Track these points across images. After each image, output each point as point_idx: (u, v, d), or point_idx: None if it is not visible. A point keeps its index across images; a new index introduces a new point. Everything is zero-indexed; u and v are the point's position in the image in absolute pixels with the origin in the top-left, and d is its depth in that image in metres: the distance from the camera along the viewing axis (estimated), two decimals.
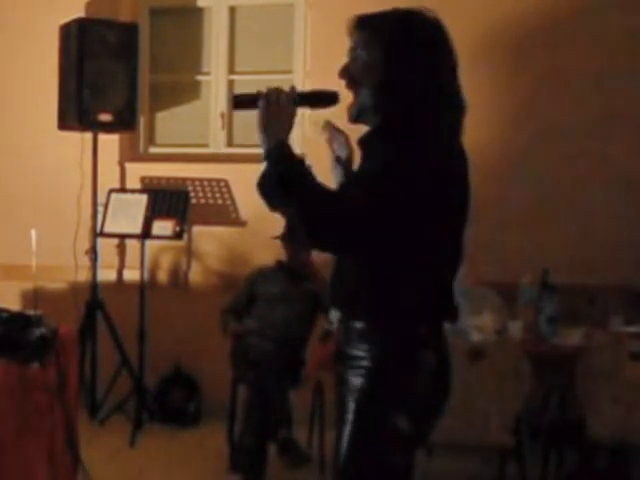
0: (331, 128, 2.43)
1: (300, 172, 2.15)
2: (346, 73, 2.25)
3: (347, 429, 2.17)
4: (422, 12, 2.23)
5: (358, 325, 2.18)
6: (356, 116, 2.26)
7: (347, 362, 2.19)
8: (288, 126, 2.20)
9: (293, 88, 2.25)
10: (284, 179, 2.14)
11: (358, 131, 2.28)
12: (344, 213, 2.07)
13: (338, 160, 2.42)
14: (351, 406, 2.16)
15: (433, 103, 2.18)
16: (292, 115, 2.21)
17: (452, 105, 2.24)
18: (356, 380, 2.16)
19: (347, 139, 2.43)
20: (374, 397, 2.15)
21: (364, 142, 2.22)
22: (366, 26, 2.23)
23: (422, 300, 2.18)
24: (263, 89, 2.23)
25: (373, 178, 2.09)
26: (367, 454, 2.18)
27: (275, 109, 2.19)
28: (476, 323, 4.13)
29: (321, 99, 2.30)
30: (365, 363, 2.15)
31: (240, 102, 2.28)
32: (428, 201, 2.11)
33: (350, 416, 2.16)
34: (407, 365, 2.16)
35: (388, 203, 2.07)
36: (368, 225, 2.07)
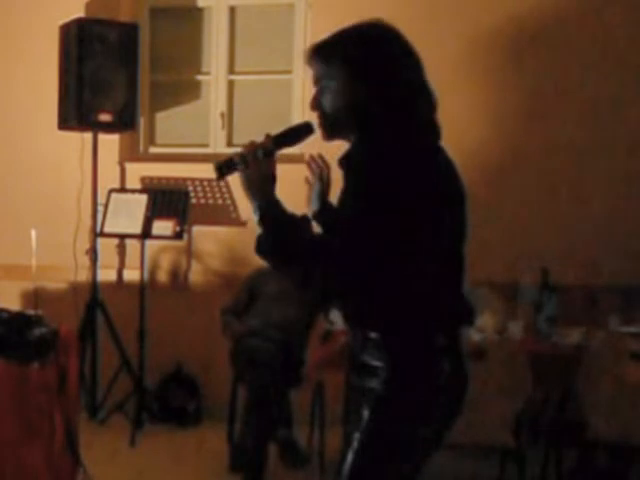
0: (315, 164, 2.46)
1: (293, 228, 2.16)
2: (316, 104, 2.26)
3: (360, 435, 2.17)
4: (374, 24, 2.24)
5: (374, 335, 2.18)
6: (330, 135, 2.27)
7: (363, 371, 2.20)
8: (270, 181, 2.21)
9: (268, 136, 2.25)
10: (278, 238, 2.16)
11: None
12: (347, 257, 2.07)
13: (316, 192, 2.45)
14: (366, 413, 2.17)
15: (406, 109, 2.19)
16: (272, 168, 2.22)
17: (425, 106, 2.23)
18: (373, 388, 2.16)
19: (329, 171, 2.48)
20: (391, 406, 2.16)
21: (344, 162, 2.20)
22: (325, 55, 2.24)
23: (435, 308, 2.18)
24: (239, 149, 2.23)
25: (364, 202, 2.08)
26: (380, 461, 2.18)
27: (254, 167, 2.20)
28: (476, 323, 4.13)
29: (297, 134, 2.31)
30: (382, 372, 2.15)
31: (222, 170, 2.28)
32: (424, 211, 2.10)
33: (364, 423, 2.17)
34: (424, 374, 2.17)
35: (387, 226, 2.06)
36: (374, 258, 2.08)
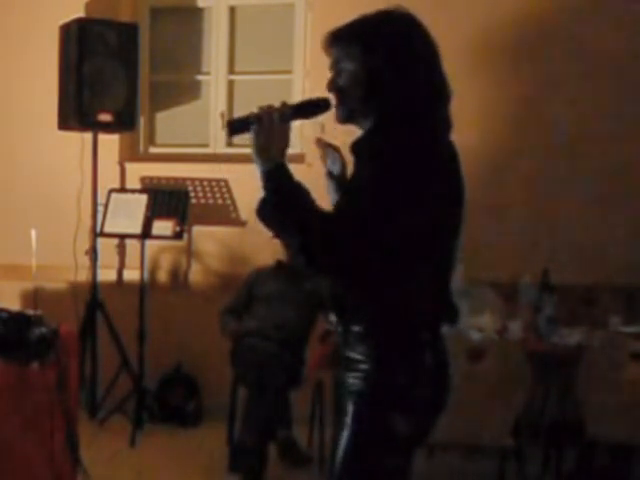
0: (324, 144, 2.45)
1: (298, 196, 2.14)
2: (334, 86, 2.26)
3: (346, 432, 2.17)
4: (394, 11, 2.24)
5: (357, 329, 2.18)
6: (345, 118, 2.26)
7: (346, 365, 2.20)
8: (283, 146, 2.19)
9: (285, 103, 2.24)
10: (282, 204, 2.14)
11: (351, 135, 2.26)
12: (343, 235, 2.05)
13: (330, 175, 2.43)
14: (350, 409, 2.16)
15: (422, 98, 2.19)
16: (286, 134, 2.20)
17: (440, 96, 2.24)
18: (355, 383, 2.16)
19: (340, 154, 2.44)
20: (373, 400, 2.16)
21: (356, 148, 2.20)
22: (343, 39, 2.24)
23: (420, 303, 2.18)
24: (255, 110, 2.20)
25: (367, 190, 2.08)
26: (366, 457, 2.18)
27: (269, 130, 2.17)
28: (476, 323, 4.13)
29: (314, 108, 2.30)
30: (364, 366, 2.15)
31: (234, 128, 2.26)
32: (422, 206, 2.10)
33: (349, 419, 2.17)
34: (406, 368, 2.16)
35: (384, 214, 2.06)
36: (366, 243, 2.06)
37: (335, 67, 2.26)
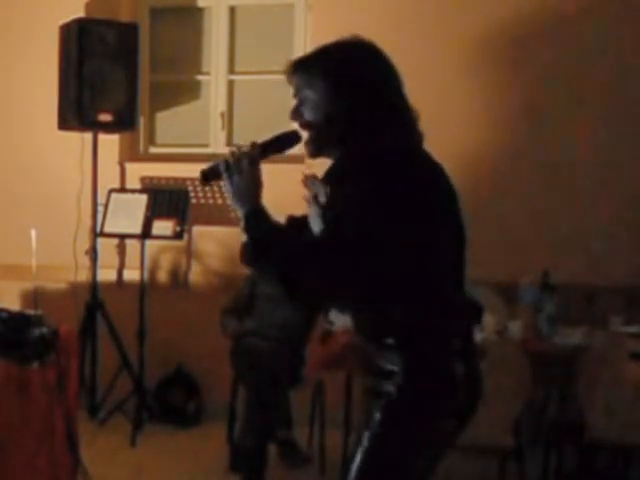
0: (312, 183, 2.45)
1: (277, 239, 2.16)
2: (297, 115, 2.28)
3: (371, 436, 2.17)
4: (354, 40, 2.27)
5: (389, 341, 2.18)
6: (315, 152, 2.28)
7: (379, 375, 2.20)
8: (256, 189, 2.22)
9: (254, 144, 2.26)
10: (262, 248, 2.17)
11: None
12: (330, 267, 2.08)
13: (317, 201, 2.44)
14: (378, 415, 2.17)
15: (388, 124, 2.20)
16: (257, 177, 2.22)
17: (406, 120, 2.25)
18: (387, 392, 2.16)
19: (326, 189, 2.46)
20: (404, 409, 2.16)
21: (330, 177, 2.21)
22: (305, 68, 2.27)
23: (451, 309, 2.20)
24: (226, 156, 2.24)
25: (349, 214, 2.09)
26: (389, 463, 2.18)
27: (239, 176, 2.21)
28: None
29: (284, 143, 2.32)
30: (397, 377, 2.16)
31: (206, 177, 2.29)
32: (409, 218, 2.12)
33: (376, 424, 2.17)
34: (440, 378, 2.18)
35: (371, 235, 2.07)
36: (356, 266, 2.08)
37: (298, 95, 2.28)
